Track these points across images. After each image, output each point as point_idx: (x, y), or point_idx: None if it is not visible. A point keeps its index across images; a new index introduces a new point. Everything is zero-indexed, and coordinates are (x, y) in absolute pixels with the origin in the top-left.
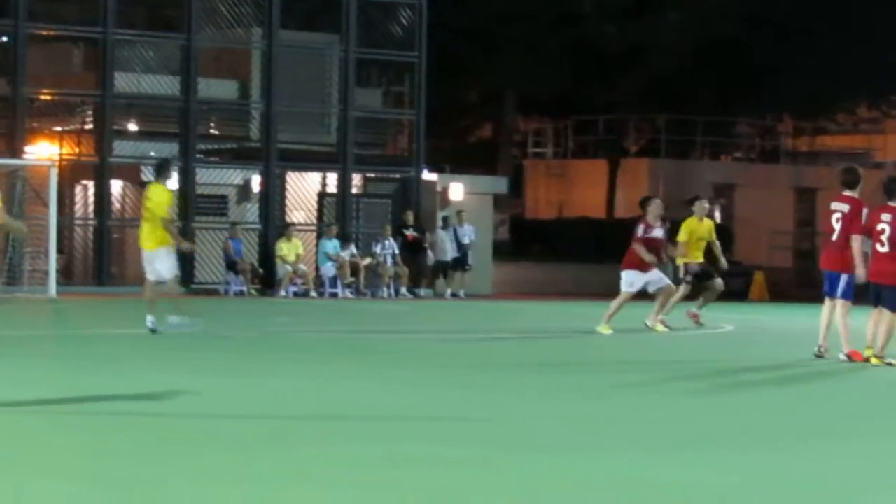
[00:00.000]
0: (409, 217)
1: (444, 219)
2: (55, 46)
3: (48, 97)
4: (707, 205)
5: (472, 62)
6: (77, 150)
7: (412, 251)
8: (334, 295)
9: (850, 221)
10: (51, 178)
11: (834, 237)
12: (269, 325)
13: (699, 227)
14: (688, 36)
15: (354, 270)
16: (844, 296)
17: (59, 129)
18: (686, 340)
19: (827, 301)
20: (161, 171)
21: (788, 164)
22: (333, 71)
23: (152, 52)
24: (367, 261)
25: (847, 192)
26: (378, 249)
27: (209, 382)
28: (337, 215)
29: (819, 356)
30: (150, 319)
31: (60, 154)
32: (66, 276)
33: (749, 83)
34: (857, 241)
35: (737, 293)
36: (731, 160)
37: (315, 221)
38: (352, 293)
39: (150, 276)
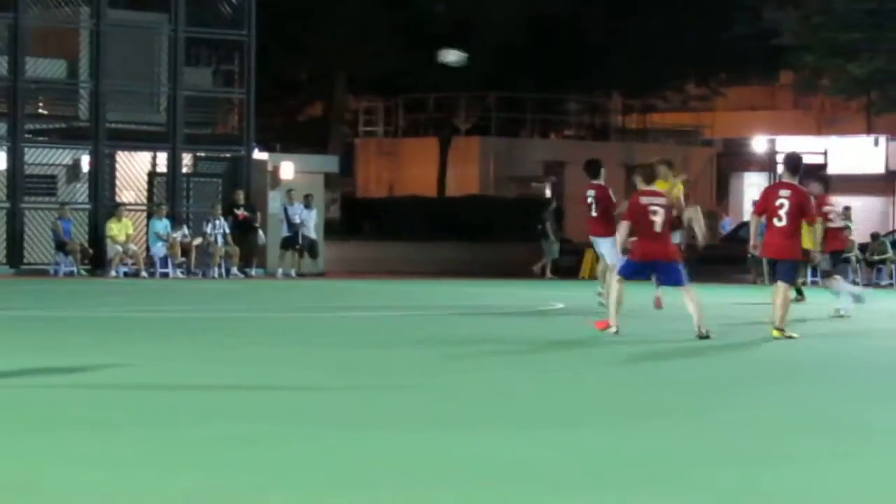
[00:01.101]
0: (240, 196)
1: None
2: None
3: None
4: None
5: (302, 40)
6: None
7: (243, 230)
8: (165, 275)
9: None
10: None
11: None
12: (99, 306)
13: None
14: (516, 13)
15: (185, 250)
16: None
17: None
18: (517, 318)
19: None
20: None
21: (618, 142)
22: (163, 50)
23: None
24: (198, 240)
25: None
26: (209, 229)
27: (32, 362)
28: (167, 195)
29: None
30: None
31: None
32: None
33: (578, 60)
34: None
35: (569, 270)
36: (561, 138)
37: (145, 201)
38: (182, 273)
39: None
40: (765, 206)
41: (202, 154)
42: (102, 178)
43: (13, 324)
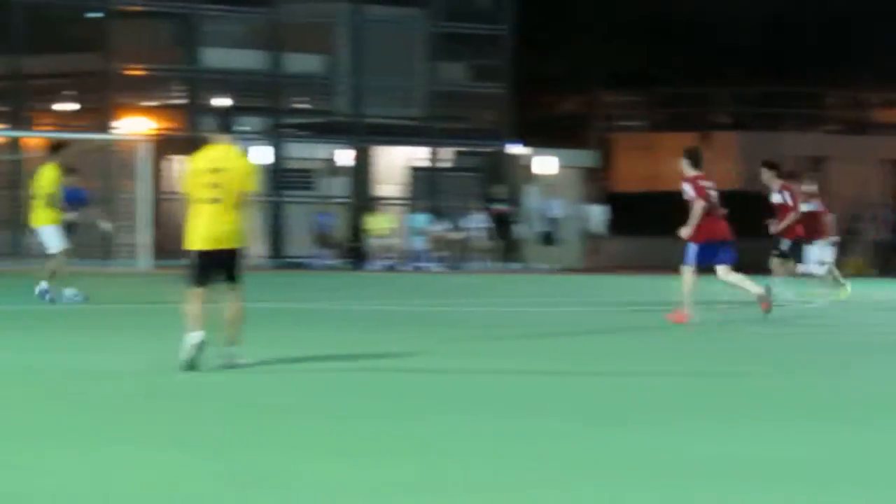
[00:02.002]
0: (498, 191)
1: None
2: (144, 22)
3: (138, 72)
4: None
5: (559, 35)
6: (168, 124)
7: (501, 225)
8: (423, 268)
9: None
10: (142, 152)
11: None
12: (356, 299)
13: None
14: (776, 7)
15: (444, 244)
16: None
17: (149, 104)
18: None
19: None
20: (55, 151)
21: (879, 136)
22: (419, 45)
23: (240, 27)
24: (457, 234)
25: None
26: (467, 223)
27: (286, 352)
28: (425, 189)
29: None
30: (44, 286)
31: (151, 129)
32: (158, 249)
33: (841, 53)
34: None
35: None
36: (821, 132)
37: (403, 195)
38: (440, 267)
39: (52, 250)
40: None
41: (460, 149)
42: (361, 173)
43: (271, 315)
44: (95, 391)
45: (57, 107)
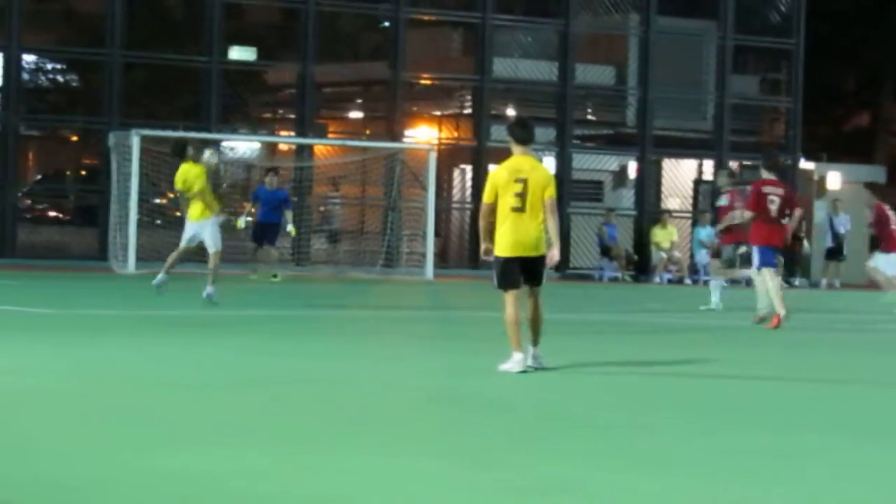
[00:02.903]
0: None
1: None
2: (434, 31)
3: (427, 82)
4: None
5: (850, 49)
6: (455, 134)
7: (793, 239)
8: (708, 282)
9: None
10: (429, 161)
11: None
12: (638, 312)
13: None
14: None
15: None
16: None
17: (437, 113)
18: None
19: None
20: (180, 152)
21: None
22: (710, 57)
23: (530, 38)
24: (742, 248)
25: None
26: None
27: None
28: (712, 202)
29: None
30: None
31: (439, 138)
32: (442, 258)
33: None
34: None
35: None
36: None
37: (690, 208)
38: (726, 281)
39: (211, 248)
40: None
41: (747, 162)
42: (648, 185)
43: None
44: (381, 398)
45: (345, 115)
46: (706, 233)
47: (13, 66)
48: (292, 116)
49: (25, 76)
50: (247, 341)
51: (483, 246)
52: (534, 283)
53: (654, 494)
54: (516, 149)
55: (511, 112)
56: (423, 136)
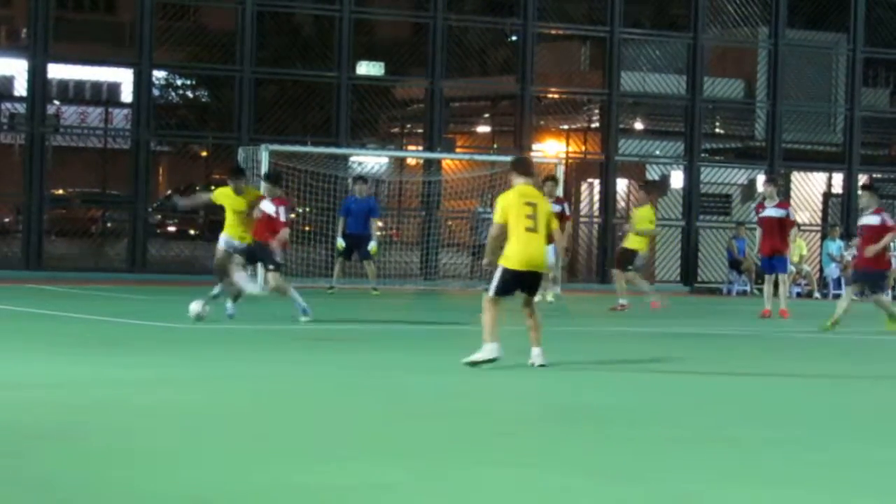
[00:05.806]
0: None
1: None
2: (563, 45)
3: (555, 95)
4: None
5: None
6: (583, 147)
7: None
8: (838, 296)
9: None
10: (558, 175)
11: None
12: (759, 326)
13: None
14: None
15: None
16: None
17: (565, 127)
18: None
19: None
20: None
21: None
22: (840, 70)
23: (658, 51)
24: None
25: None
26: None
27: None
28: (841, 216)
29: None
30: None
31: (567, 152)
32: (571, 273)
33: None
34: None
35: None
36: None
37: (819, 222)
38: (856, 295)
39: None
40: None
41: (878, 175)
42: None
43: (683, 340)
44: (510, 411)
45: (473, 129)
46: (836, 246)
47: (144, 82)
48: (420, 131)
49: (156, 92)
50: (380, 357)
51: (487, 259)
52: (532, 293)
53: None
54: (518, 179)
55: (639, 126)
56: (551, 150)
